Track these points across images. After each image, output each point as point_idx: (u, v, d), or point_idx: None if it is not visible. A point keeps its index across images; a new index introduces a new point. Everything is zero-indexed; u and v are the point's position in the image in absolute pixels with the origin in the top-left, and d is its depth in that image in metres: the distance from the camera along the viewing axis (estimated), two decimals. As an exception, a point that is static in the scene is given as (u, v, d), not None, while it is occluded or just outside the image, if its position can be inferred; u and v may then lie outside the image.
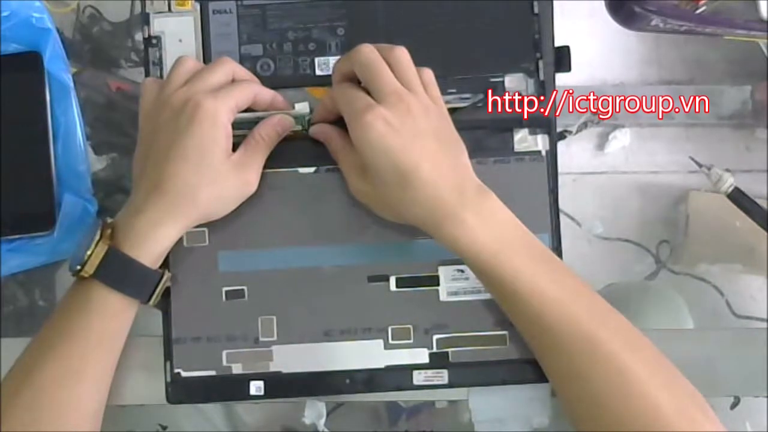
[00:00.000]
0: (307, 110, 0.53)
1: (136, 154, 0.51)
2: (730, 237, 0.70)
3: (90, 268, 0.47)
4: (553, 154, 0.55)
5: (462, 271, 0.54)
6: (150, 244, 0.49)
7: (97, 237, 0.48)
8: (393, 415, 0.67)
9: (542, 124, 0.55)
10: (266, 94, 0.52)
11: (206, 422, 0.72)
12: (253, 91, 0.51)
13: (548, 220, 0.54)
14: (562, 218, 0.55)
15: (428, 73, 0.51)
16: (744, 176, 0.69)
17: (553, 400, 0.55)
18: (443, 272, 0.54)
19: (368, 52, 0.49)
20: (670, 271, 0.73)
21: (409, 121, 0.48)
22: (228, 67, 0.51)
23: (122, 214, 0.50)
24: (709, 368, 0.55)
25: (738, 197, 0.65)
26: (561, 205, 0.55)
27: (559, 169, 0.55)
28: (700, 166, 0.66)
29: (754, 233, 0.66)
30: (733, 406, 0.60)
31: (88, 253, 0.47)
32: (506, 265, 0.48)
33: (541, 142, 0.55)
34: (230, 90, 0.50)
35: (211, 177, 0.49)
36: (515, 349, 0.53)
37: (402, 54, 0.49)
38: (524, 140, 0.55)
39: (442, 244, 0.48)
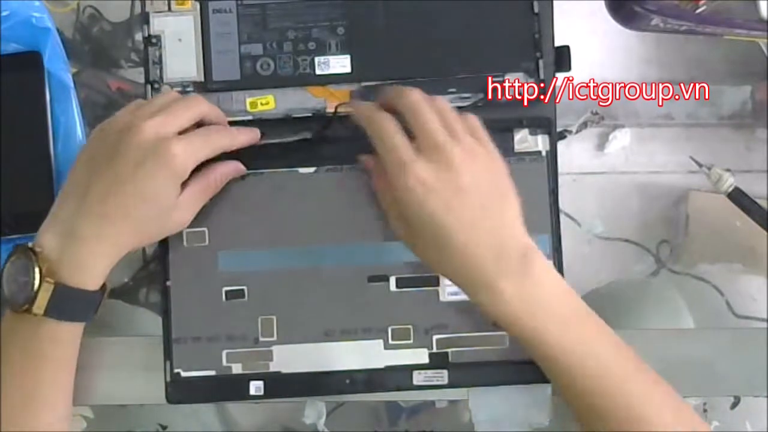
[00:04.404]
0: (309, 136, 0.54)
1: (79, 160, 0.49)
2: (730, 237, 0.70)
3: (40, 306, 0.46)
4: (553, 154, 0.55)
5: None
6: (95, 273, 0.47)
7: (36, 271, 0.46)
8: (393, 415, 0.67)
9: (543, 124, 0.55)
10: (238, 141, 0.51)
11: (207, 422, 0.72)
12: (224, 144, 0.50)
13: (548, 221, 0.54)
14: (562, 218, 0.55)
15: (472, 119, 0.49)
16: (744, 176, 0.69)
17: (554, 400, 0.55)
18: None
19: (418, 98, 0.48)
20: (670, 271, 0.73)
21: (450, 177, 0.46)
22: (197, 110, 0.50)
23: (52, 233, 0.47)
24: (709, 368, 0.55)
25: (738, 197, 0.65)
26: (561, 205, 0.55)
27: (559, 169, 0.55)
28: (700, 165, 0.66)
29: (754, 233, 0.66)
30: (733, 406, 0.60)
31: (33, 290, 0.46)
32: (546, 339, 0.46)
33: (541, 143, 0.55)
34: (205, 141, 0.49)
35: (156, 214, 0.48)
36: (515, 349, 0.53)
37: (444, 103, 0.48)
38: (524, 140, 0.55)
39: (478, 309, 0.47)
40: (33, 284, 0.46)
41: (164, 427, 0.66)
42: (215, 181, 0.51)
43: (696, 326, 0.70)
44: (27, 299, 0.46)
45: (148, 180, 0.47)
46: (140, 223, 0.48)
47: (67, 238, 0.47)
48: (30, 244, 0.47)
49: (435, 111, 0.48)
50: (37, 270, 0.46)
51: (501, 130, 0.54)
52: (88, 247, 0.47)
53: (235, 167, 0.52)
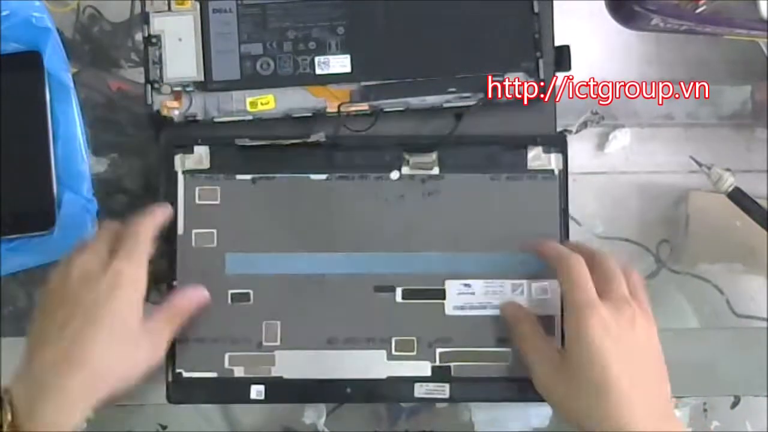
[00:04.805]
0: (323, 138, 0.53)
1: (34, 322, 0.48)
2: (731, 237, 0.70)
3: None
4: (565, 173, 0.55)
5: (468, 285, 0.54)
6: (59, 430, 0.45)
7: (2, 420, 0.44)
8: (393, 414, 0.67)
9: (556, 143, 0.55)
10: (159, 220, 0.51)
11: (206, 422, 0.72)
12: (150, 228, 0.50)
13: (558, 239, 0.54)
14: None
15: (637, 277, 0.51)
16: (744, 176, 0.69)
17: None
18: (450, 286, 0.54)
19: (612, 260, 0.50)
20: (670, 271, 0.73)
21: (630, 334, 0.47)
22: (148, 233, 0.50)
23: (23, 380, 0.46)
24: (709, 368, 0.55)
25: (738, 197, 0.65)
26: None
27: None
28: (701, 165, 0.66)
29: (754, 233, 0.66)
30: (733, 405, 0.60)
31: None
32: None
33: (554, 161, 0.55)
34: (141, 246, 0.49)
35: (124, 348, 0.47)
36: (517, 366, 0.53)
37: (635, 273, 0.51)
38: (538, 158, 0.55)
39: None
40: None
41: (164, 427, 0.66)
42: (179, 308, 0.51)
43: (696, 326, 0.70)
44: None
45: (104, 307, 0.47)
46: (110, 364, 0.46)
47: (33, 386, 0.45)
48: (3, 388, 0.46)
49: (624, 275, 0.50)
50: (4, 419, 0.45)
51: (515, 147, 0.55)
52: (54, 402, 0.45)
53: (199, 292, 0.52)
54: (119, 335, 0.47)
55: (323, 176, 0.54)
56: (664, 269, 0.73)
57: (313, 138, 0.53)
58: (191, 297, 0.52)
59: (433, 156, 0.54)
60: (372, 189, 0.54)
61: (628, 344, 0.47)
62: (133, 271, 0.48)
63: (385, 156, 0.54)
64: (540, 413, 0.56)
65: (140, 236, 0.49)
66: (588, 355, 0.46)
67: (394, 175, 0.54)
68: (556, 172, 0.55)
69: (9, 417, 0.44)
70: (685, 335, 0.60)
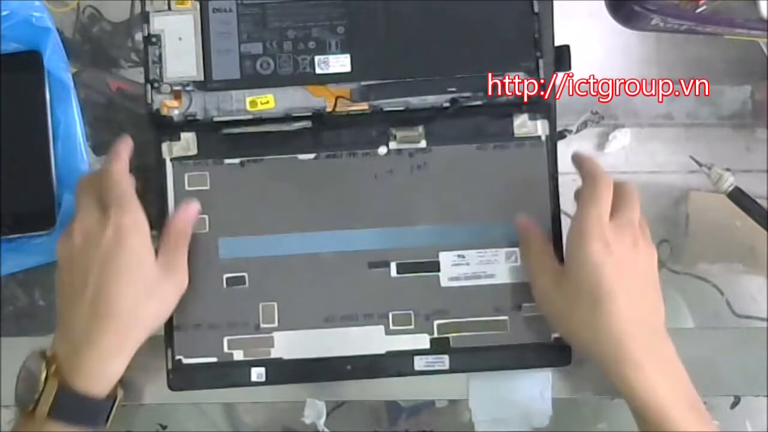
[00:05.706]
0: (309, 125, 0.53)
1: (59, 295, 0.50)
2: (731, 237, 0.70)
3: (44, 408, 0.47)
4: (553, 139, 0.55)
5: (462, 256, 0.54)
6: (103, 378, 0.48)
7: (44, 374, 0.47)
8: (393, 414, 0.67)
9: (542, 109, 0.55)
10: (123, 151, 0.52)
11: (206, 422, 0.72)
12: (126, 175, 0.51)
13: (548, 206, 0.54)
14: (563, 218, 0.55)
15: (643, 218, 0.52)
16: (744, 176, 0.69)
17: (554, 400, 0.55)
18: (444, 258, 0.54)
19: (636, 189, 0.51)
20: (670, 271, 0.73)
21: (630, 254, 0.49)
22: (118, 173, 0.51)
23: (61, 341, 0.48)
24: (709, 368, 0.55)
25: (738, 197, 0.65)
26: (562, 205, 0.55)
27: (560, 170, 0.55)
28: (701, 165, 0.66)
29: (754, 233, 0.66)
30: (733, 405, 0.60)
31: (38, 392, 0.47)
32: (673, 423, 0.47)
33: (540, 127, 0.55)
34: (127, 191, 0.50)
35: (149, 289, 0.49)
36: (515, 334, 0.53)
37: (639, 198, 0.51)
38: (524, 125, 0.55)
39: (612, 382, 0.48)
40: (38, 384, 0.47)
41: (164, 427, 0.66)
42: (176, 231, 0.52)
43: (696, 326, 0.70)
44: (32, 401, 0.47)
45: (119, 257, 0.48)
46: (139, 308, 0.48)
47: (74, 341, 0.48)
48: (47, 351, 0.49)
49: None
50: (43, 369, 0.47)
51: (501, 115, 0.55)
52: (96, 351, 0.47)
53: (186, 206, 0.53)
54: (140, 282, 0.48)
55: (311, 156, 0.54)
56: (664, 269, 0.73)
57: (297, 126, 0.53)
58: (185, 213, 0.52)
59: (420, 129, 0.54)
60: (360, 166, 0.54)
61: (626, 263, 0.48)
62: (132, 218, 0.48)
63: (371, 132, 0.55)
64: (540, 413, 0.56)
65: (122, 182, 0.50)
66: (586, 271, 0.48)
67: (382, 150, 0.55)
68: (543, 138, 0.55)
69: (54, 367, 0.47)
70: (685, 335, 0.60)
